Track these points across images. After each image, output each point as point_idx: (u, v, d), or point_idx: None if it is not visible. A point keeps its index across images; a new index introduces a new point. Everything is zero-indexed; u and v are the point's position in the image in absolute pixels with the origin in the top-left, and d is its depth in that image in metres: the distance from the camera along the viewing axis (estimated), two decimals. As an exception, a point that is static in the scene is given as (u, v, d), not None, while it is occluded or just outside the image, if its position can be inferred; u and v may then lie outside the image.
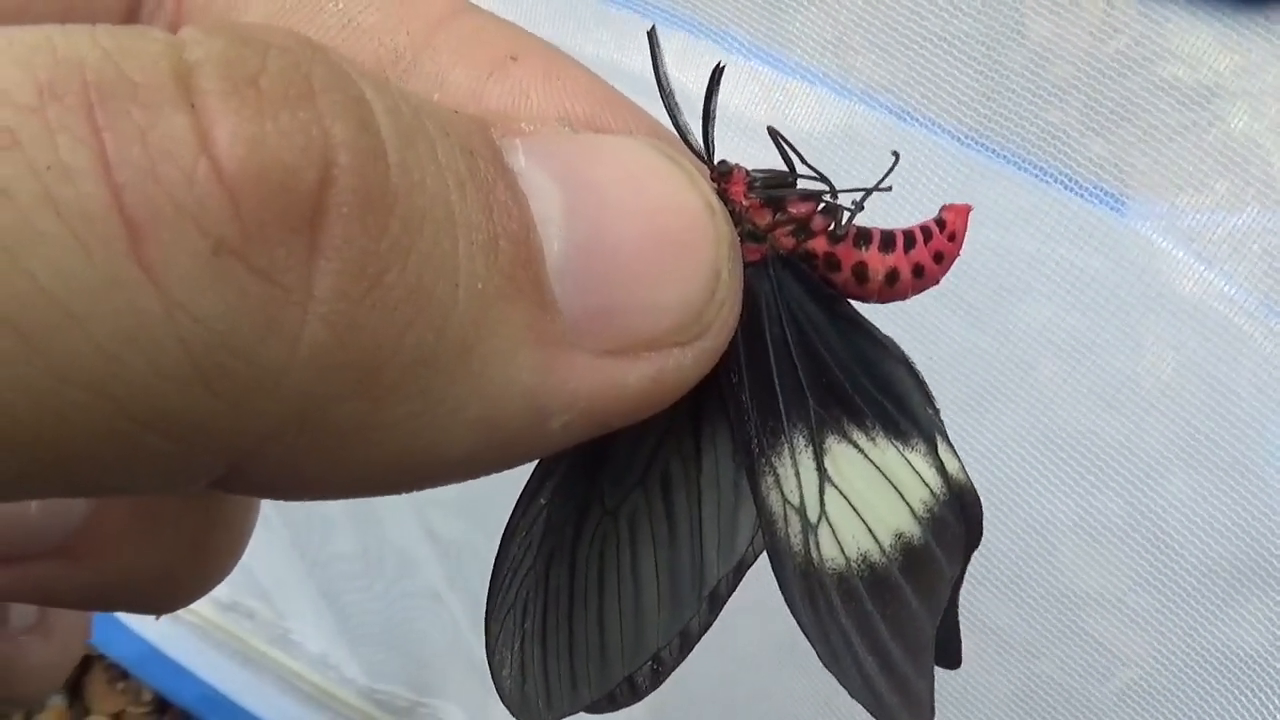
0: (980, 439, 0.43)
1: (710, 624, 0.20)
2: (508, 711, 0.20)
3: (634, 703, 0.20)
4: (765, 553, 0.18)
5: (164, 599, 0.20)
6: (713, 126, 0.18)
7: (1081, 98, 0.38)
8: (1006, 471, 0.43)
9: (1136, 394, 0.40)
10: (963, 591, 0.44)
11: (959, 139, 0.39)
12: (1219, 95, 0.37)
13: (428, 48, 0.17)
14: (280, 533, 0.67)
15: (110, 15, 0.18)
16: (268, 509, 0.66)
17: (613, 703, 0.20)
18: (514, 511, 0.20)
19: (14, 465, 0.11)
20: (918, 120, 0.39)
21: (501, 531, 0.20)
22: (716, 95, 0.18)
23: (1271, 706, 0.40)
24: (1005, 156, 0.39)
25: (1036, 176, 0.39)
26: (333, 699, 0.73)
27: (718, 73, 0.18)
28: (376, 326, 0.12)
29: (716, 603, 0.20)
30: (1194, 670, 0.42)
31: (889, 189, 0.19)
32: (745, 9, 0.41)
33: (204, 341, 0.11)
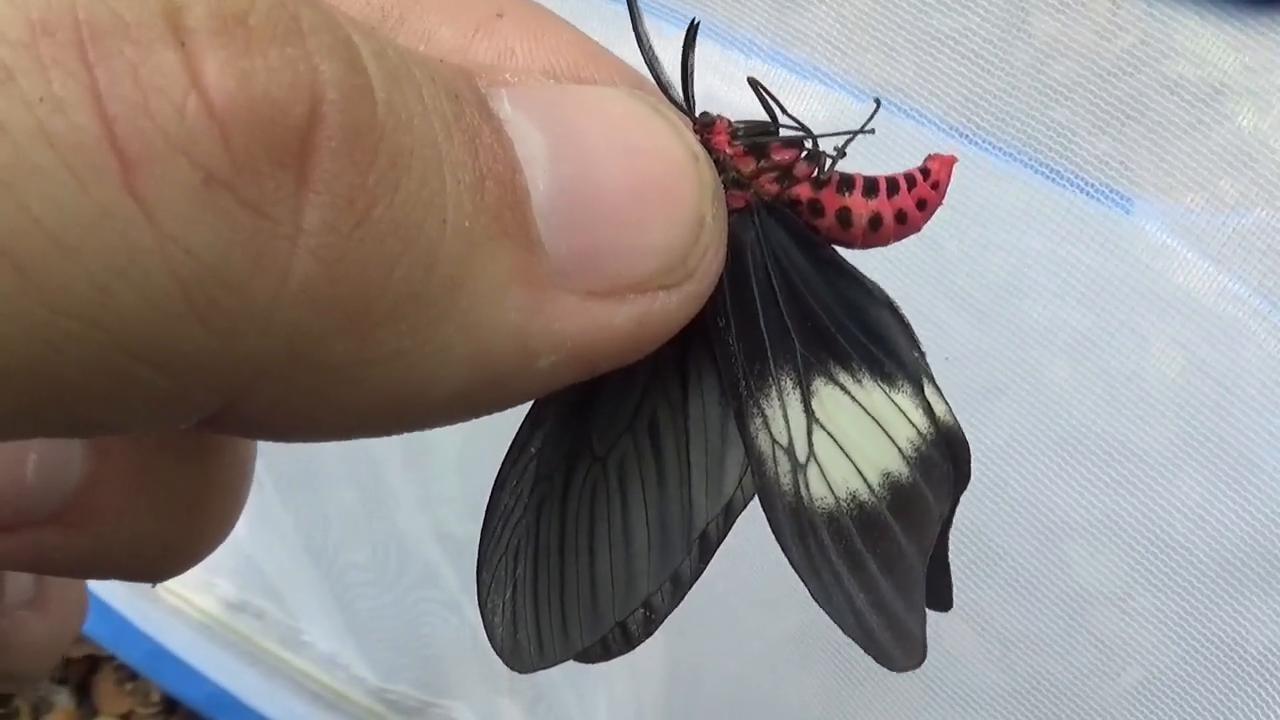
0: (987, 436, 0.43)
1: (701, 570, 0.20)
2: (503, 662, 0.21)
3: (627, 650, 0.21)
4: (757, 499, 0.19)
5: (159, 565, 0.20)
6: (692, 81, 0.18)
7: (1088, 96, 0.38)
8: (1013, 469, 0.43)
9: (1143, 392, 0.40)
10: (969, 588, 0.44)
11: (965, 137, 0.39)
12: (1226, 94, 0.37)
13: (415, 6, 0.17)
14: (289, 532, 0.67)
15: None
16: (276, 508, 0.66)
17: (606, 650, 0.21)
18: (504, 462, 0.20)
19: (8, 398, 0.11)
20: (923, 117, 0.39)
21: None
22: (694, 50, 0.18)
23: (1280, 705, 0.40)
24: (1011, 155, 0.39)
25: (1043, 175, 0.39)
26: (342, 699, 0.73)
27: (693, 29, 0.18)
28: (365, 260, 0.12)
29: (707, 547, 0.20)
30: (1203, 669, 0.42)
31: (872, 131, 0.20)
32: (751, 7, 0.41)
33: (195, 274, 0.11)
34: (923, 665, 0.19)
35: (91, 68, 0.11)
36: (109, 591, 0.78)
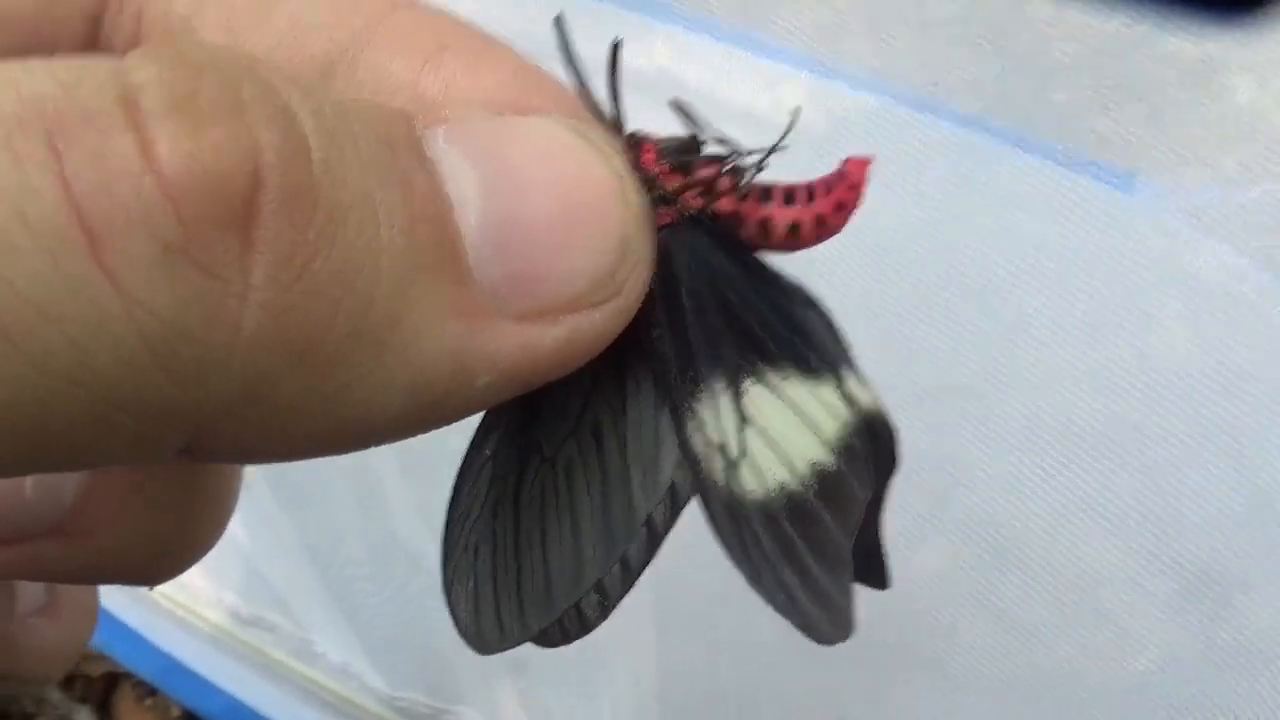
0: (994, 423, 0.43)
1: (651, 556, 0.22)
2: (468, 645, 0.22)
3: (584, 634, 0.22)
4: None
5: (155, 570, 0.21)
6: (621, 101, 0.19)
7: (1084, 76, 0.37)
8: (1020, 454, 0.42)
9: (1149, 373, 0.40)
10: (982, 576, 0.44)
11: (963, 122, 0.39)
12: (1224, 68, 0.36)
13: (369, 42, 0.18)
14: (296, 545, 0.67)
15: (74, 31, 0.20)
16: (283, 521, 0.66)
17: (564, 633, 0.22)
18: (462, 465, 0.22)
19: (3, 451, 0.13)
20: (920, 104, 0.39)
21: None
22: (618, 70, 0.19)
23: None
24: (1010, 139, 0.39)
25: (1042, 157, 0.39)
26: (355, 708, 0.73)
27: (616, 49, 0.19)
28: (309, 307, 0.14)
29: (654, 533, 0.22)
30: (1214, 655, 0.42)
31: (786, 148, 0.21)
32: None
33: (159, 332, 0.13)
34: (850, 637, 0.20)
35: (60, 156, 0.12)
36: (123, 608, 0.78)
